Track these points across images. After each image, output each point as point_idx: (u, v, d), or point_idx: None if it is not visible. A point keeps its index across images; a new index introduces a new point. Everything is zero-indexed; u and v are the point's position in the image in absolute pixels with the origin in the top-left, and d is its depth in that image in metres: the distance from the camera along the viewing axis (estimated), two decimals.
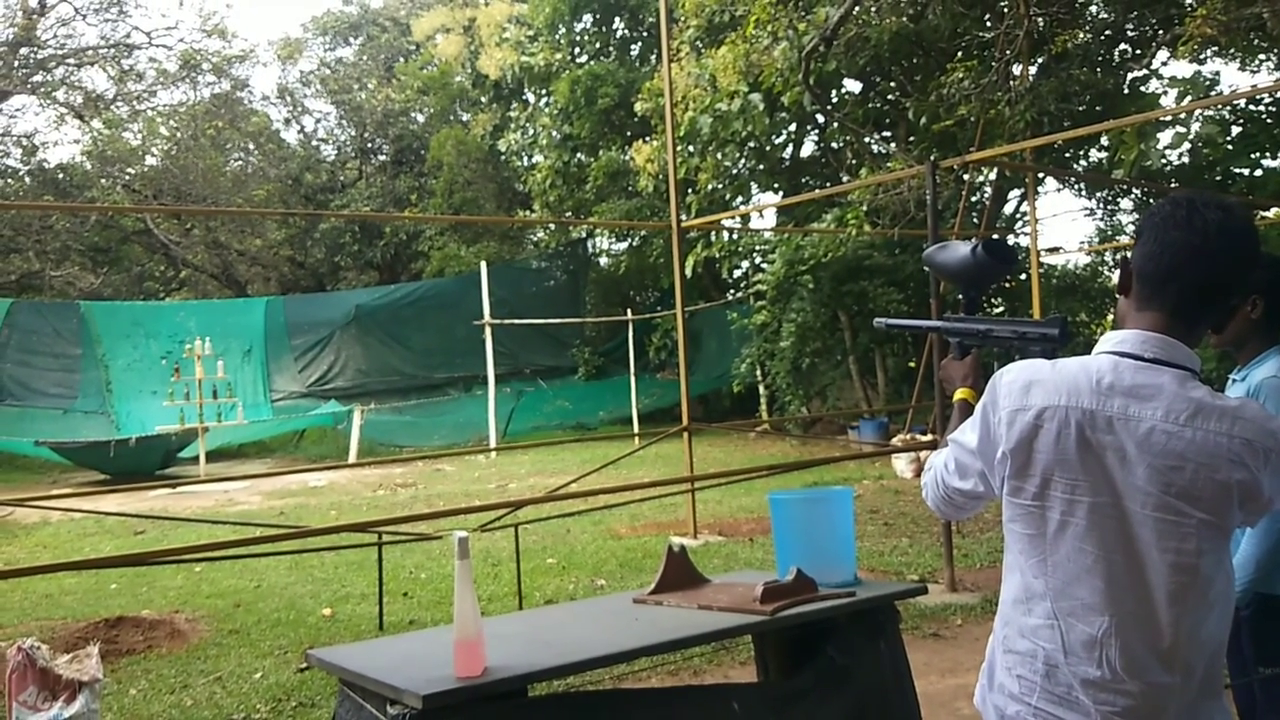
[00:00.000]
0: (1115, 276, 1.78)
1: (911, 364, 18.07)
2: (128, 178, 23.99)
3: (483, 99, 24.07)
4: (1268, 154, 15.24)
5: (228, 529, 8.37)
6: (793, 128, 18.15)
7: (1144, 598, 1.62)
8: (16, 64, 22.25)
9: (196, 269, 26.41)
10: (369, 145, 28.35)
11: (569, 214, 20.35)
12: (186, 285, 27.40)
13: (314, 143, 29.06)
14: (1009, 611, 1.77)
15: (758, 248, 18.79)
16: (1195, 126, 12.04)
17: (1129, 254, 1.75)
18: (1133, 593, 1.63)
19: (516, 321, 19.32)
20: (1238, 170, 15.30)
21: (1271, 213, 12.45)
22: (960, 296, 2.20)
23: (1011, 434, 1.68)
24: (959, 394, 2.06)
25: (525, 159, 22.80)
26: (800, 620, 2.85)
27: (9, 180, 23.47)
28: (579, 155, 20.59)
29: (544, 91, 21.62)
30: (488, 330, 17.55)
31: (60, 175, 23.35)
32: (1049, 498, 1.67)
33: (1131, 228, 18.75)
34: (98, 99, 23.81)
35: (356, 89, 27.83)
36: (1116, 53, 14.24)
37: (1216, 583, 1.65)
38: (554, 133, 20.57)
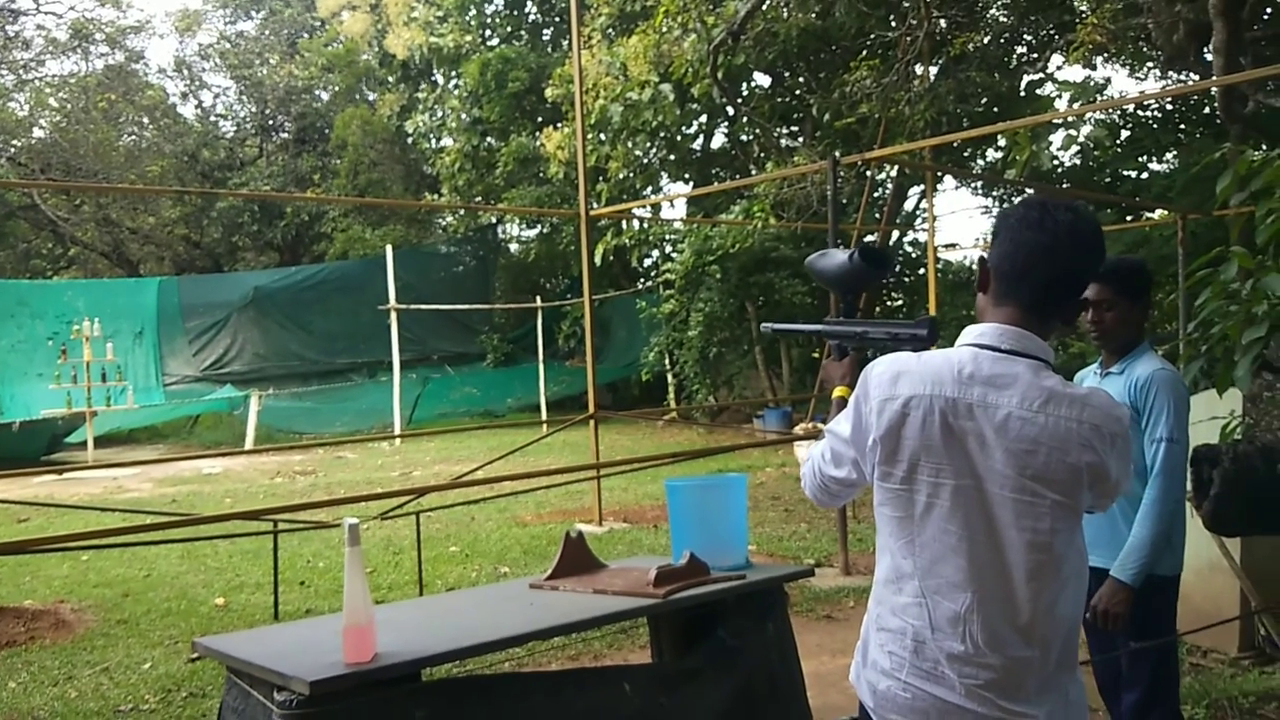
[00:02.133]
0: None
1: (815, 354, 18.43)
2: (13, 150, 22.86)
3: (390, 79, 23.63)
4: (1154, 158, 15.96)
5: (116, 516, 8.09)
6: (703, 119, 18.28)
7: (1003, 575, 1.73)
8: None
9: (86, 247, 25.36)
10: (270, 123, 27.57)
11: (478, 199, 20.16)
12: (75, 264, 26.30)
13: (212, 119, 28.14)
14: (881, 591, 1.86)
15: (667, 237, 18.91)
16: (1086, 130, 12.52)
17: (985, 254, 1.87)
18: (993, 570, 1.73)
19: (423, 307, 19.07)
20: (1125, 172, 15.99)
21: (1157, 214, 13.05)
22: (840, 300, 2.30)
23: (881, 422, 1.78)
24: (837, 391, 2.17)
25: (433, 141, 22.49)
26: (692, 603, 2.91)
27: None
28: (489, 139, 20.39)
29: (453, 74, 21.34)
30: (393, 315, 17.29)
31: None
32: (916, 481, 1.77)
33: None
34: None
35: (258, 64, 27.02)
36: (1014, 56, 14.72)
37: (1069, 560, 1.76)
38: (463, 115, 20.34)
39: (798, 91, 16.02)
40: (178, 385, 20.00)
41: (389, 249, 17.92)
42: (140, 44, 26.15)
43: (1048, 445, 1.70)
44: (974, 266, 18.08)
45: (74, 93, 23.44)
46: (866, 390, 1.82)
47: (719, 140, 19.96)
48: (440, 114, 21.39)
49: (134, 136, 25.70)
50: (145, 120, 25.62)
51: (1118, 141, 15.43)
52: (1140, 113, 15.63)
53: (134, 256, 26.30)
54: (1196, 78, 10.14)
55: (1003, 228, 1.82)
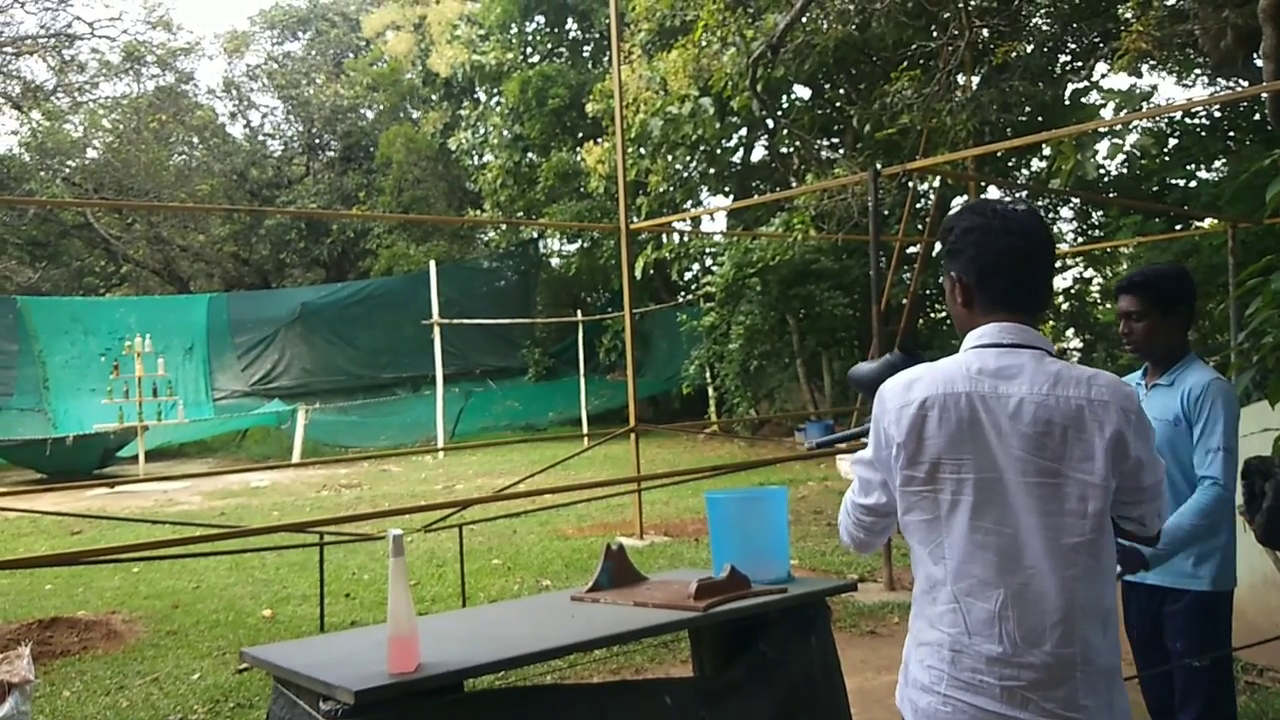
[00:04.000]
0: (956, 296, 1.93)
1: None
2: (68, 171, 23.47)
3: (433, 97, 23.93)
4: (1202, 166, 15.68)
5: (167, 529, 8.24)
6: (743, 132, 18.29)
7: (1034, 566, 1.73)
8: None
9: (138, 265, 25.91)
10: (316, 141, 28.02)
11: (520, 214, 20.31)
12: (127, 281, 26.86)
13: (260, 138, 28.66)
14: (917, 605, 1.87)
15: (707, 250, 18.91)
16: (1132, 138, 12.35)
17: (954, 272, 1.90)
18: (1023, 562, 1.74)
19: (466, 321, 19.23)
20: (1173, 181, 15.71)
21: (1206, 223, 12.82)
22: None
23: (901, 427, 1.82)
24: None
25: (476, 158, 22.71)
26: (733, 616, 2.91)
27: None
28: (530, 155, 20.56)
29: (495, 91, 21.56)
30: (436, 330, 17.45)
31: None
32: (939, 480, 1.79)
33: (1071, 236, 19.18)
34: (37, 89, 23.24)
35: (304, 84, 27.50)
36: (1057, 65, 14.56)
37: (1101, 547, 1.76)
38: (505, 132, 20.53)
39: (838, 103, 15.98)
40: (227, 400, 20.35)
41: (432, 265, 18.11)
42: (190, 65, 26.69)
43: (1061, 425, 1.73)
44: None
45: (126, 114, 24.00)
46: (883, 406, 1.87)
47: (759, 153, 19.97)
48: (482, 131, 21.60)
49: (184, 156, 26.25)
50: (195, 140, 26.16)
51: (1165, 150, 15.17)
52: (1188, 120, 15.35)
53: (184, 274, 26.82)
54: (1245, 84, 9.97)
55: (968, 243, 1.87)
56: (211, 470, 15.06)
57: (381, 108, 26.51)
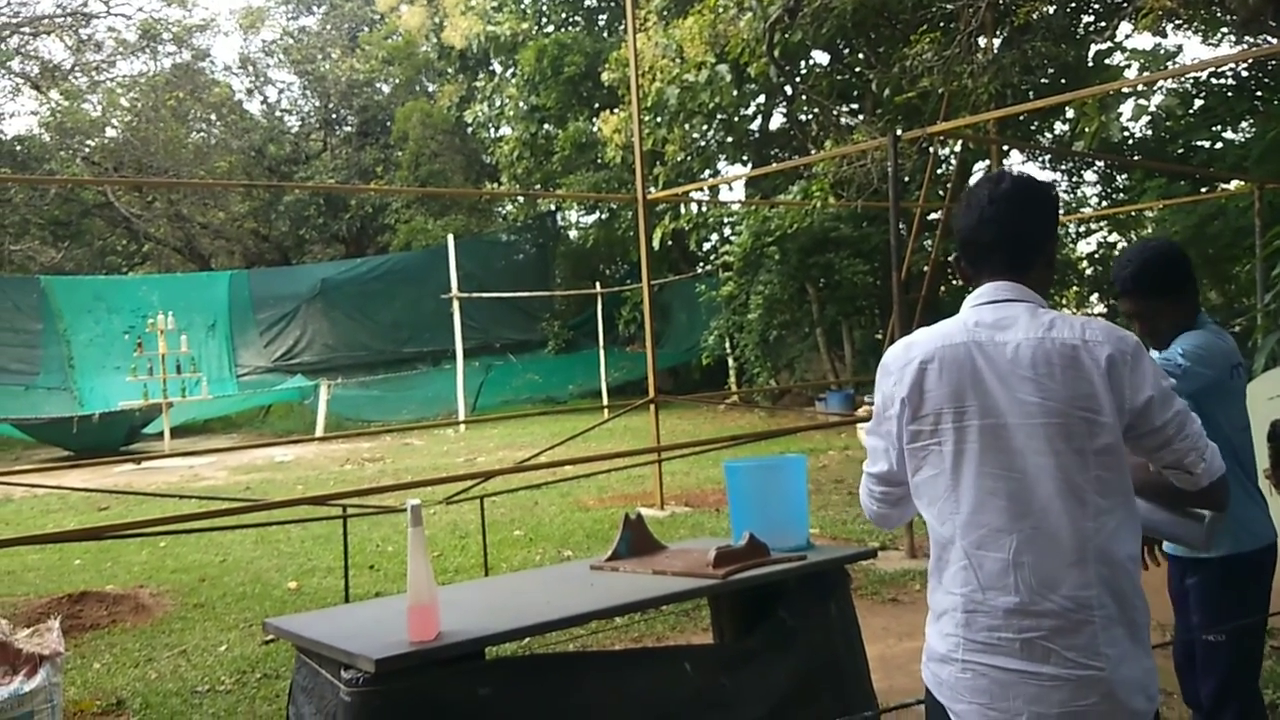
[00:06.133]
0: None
1: (879, 336, 18.22)
2: (87, 150, 23.56)
3: (448, 70, 23.83)
4: (1228, 127, 15.42)
5: (193, 504, 8.31)
6: (760, 99, 18.12)
7: (1045, 507, 1.73)
8: None
9: (159, 242, 26.05)
10: (333, 116, 28.00)
11: (537, 186, 20.25)
12: (149, 259, 27.02)
13: (277, 114, 28.66)
14: (932, 577, 1.87)
15: (725, 220, 18.80)
16: (1157, 99, 12.16)
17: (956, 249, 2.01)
18: (1034, 505, 1.74)
19: (485, 295, 19.25)
20: (1199, 142, 15.47)
21: (1232, 185, 12.62)
22: None
23: (904, 385, 1.85)
24: None
25: (492, 130, 22.63)
26: (752, 583, 2.91)
27: None
28: (546, 126, 20.45)
29: (510, 61, 21.44)
30: (456, 304, 17.48)
31: (18, 147, 22.89)
32: (943, 431, 1.80)
33: (1095, 199, 18.95)
34: (55, 69, 23.31)
35: (320, 59, 27.44)
36: (1080, 25, 14.31)
37: (1112, 486, 1.75)
38: (521, 104, 20.42)
39: (856, 68, 15.78)
40: (250, 376, 20.50)
41: (451, 239, 18.11)
42: (206, 42, 26.78)
43: (1060, 365, 1.75)
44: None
45: (144, 92, 24.04)
46: (885, 371, 1.91)
47: (777, 120, 19.79)
48: (498, 103, 21.50)
49: (202, 133, 26.30)
50: (213, 117, 26.20)
51: (1190, 110, 14.93)
52: (1214, 80, 15.09)
53: (205, 251, 26.95)
54: (1273, 41, 9.76)
55: (959, 213, 1.98)
56: (236, 445, 15.18)
57: (397, 81, 26.43)
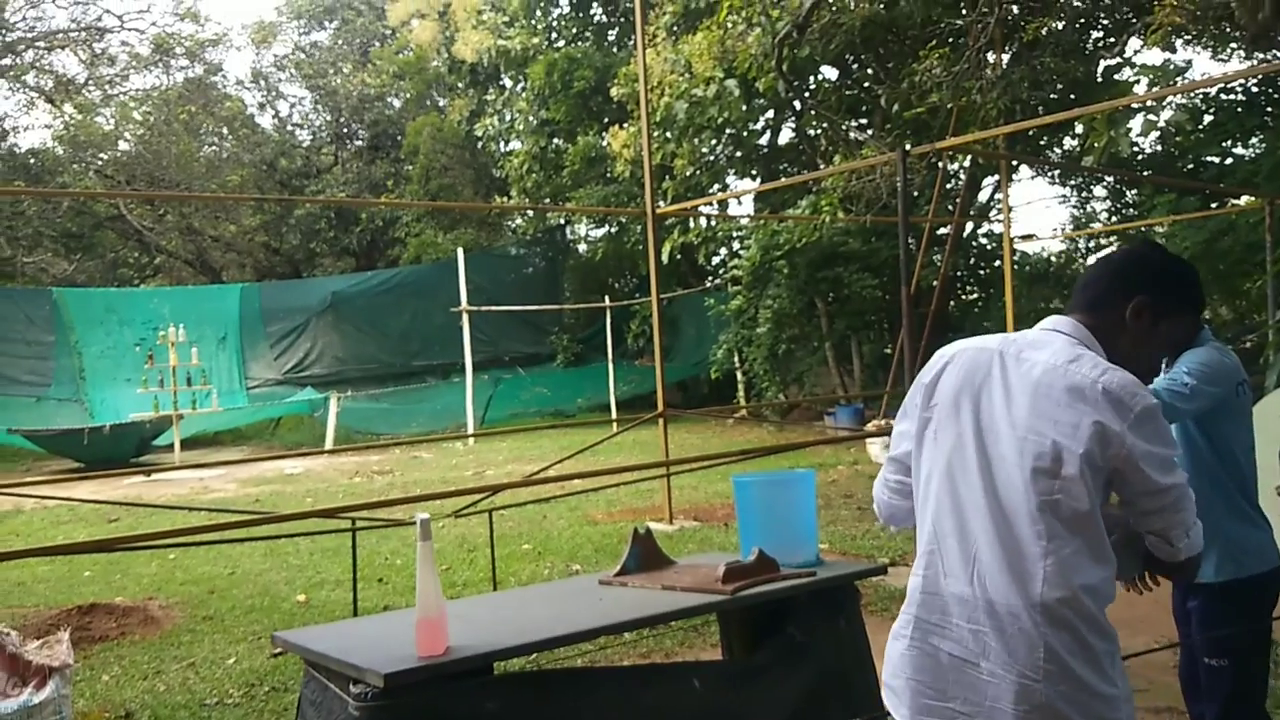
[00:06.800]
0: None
1: (888, 350, 18.19)
2: (100, 163, 23.75)
3: (459, 84, 23.94)
4: (1238, 142, 15.41)
5: (202, 516, 8.34)
6: (769, 114, 18.17)
7: (1010, 517, 1.77)
8: None
9: (170, 255, 26.19)
10: (344, 130, 28.15)
11: (546, 200, 20.31)
12: (160, 272, 27.16)
13: (289, 128, 28.84)
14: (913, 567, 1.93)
15: (734, 234, 18.83)
16: (1166, 114, 12.12)
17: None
18: (1001, 511, 1.78)
19: (494, 309, 19.29)
20: (1208, 158, 15.45)
21: (1242, 200, 12.59)
22: None
23: (928, 373, 1.98)
24: None
25: (502, 145, 22.72)
26: (761, 599, 2.90)
27: None
28: (556, 140, 20.53)
29: (520, 76, 21.54)
30: (465, 317, 17.52)
31: (31, 160, 23.09)
32: (940, 422, 1.88)
33: (1105, 215, 18.92)
34: (69, 83, 23.52)
35: (331, 74, 27.62)
36: (1089, 40, 14.33)
37: (1084, 525, 1.75)
38: (530, 118, 20.51)
39: (865, 83, 15.82)
40: (260, 388, 20.57)
41: (460, 252, 18.16)
42: (218, 57, 26.95)
43: (1061, 389, 1.79)
44: (1051, 258, 17.80)
45: (156, 106, 24.23)
46: (929, 364, 2.00)
47: (785, 135, 19.83)
48: (508, 117, 21.60)
49: (214, 147, 26.49)
50: (225, 131, 26.39)
51: (1200, 126, 14.91)
52: (1223, 96, 15.08)
53: (216, 264, 27.08)
54: None
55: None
56: (246, 458, 15.22)
57: (408, 96, 26.57)
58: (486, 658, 2.45)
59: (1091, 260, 1.97)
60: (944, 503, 1.84)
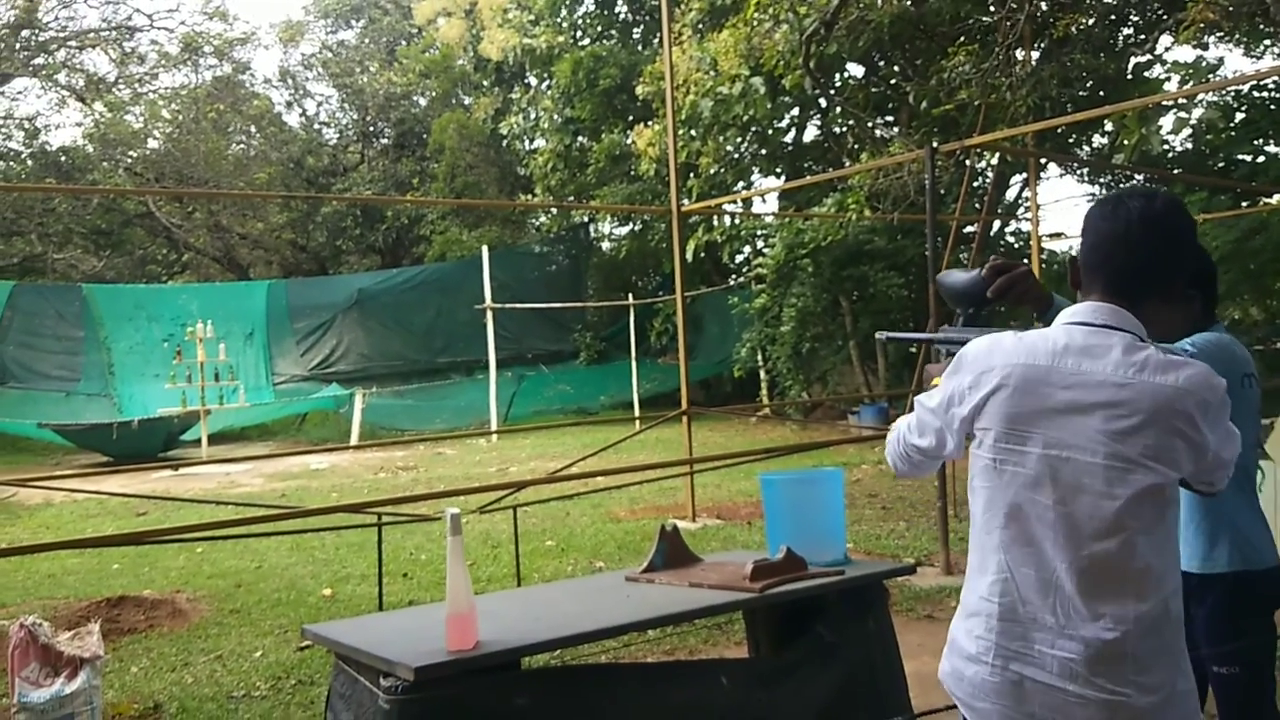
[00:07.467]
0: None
1: (912, 349, 18.09)
2: (129, 160, 23.98)
3: (484, 82, 24.02)
4: (1271, 140, 15.22)
5: (229, 510, 8.41)
6: (795, 112, 18.10)
7: (1092, 542, 1.71)
8: (18, 46, 22.21)
9: (199, 252, 26.42)
10: (371, 129, 28.30)
11: (570, 198, 20.33)
12: (189, 268, 27.41)
13: (316, 126, 29.02)
14: (969, 579, 1.87)
15: (759, 232, 18.77)
16: (1198, 112, 11.98)
17: (1074, 254, 1.94)
18: (1081, 537, 1.72)
19: (518, 306, 19.33)
20: (1240, 156, 15.27)
21: (1276, 199, 12.44)
22: (959, 312, 2.24)
23: (975, 394, 1.82)
24: (933, 382, 2.17)
25: (527, 143, 22.78)
26: (789, 598, 2.89)
27: (11, 163, 23.48)
28: (580, 138, 20.55)
29: (546, 74, 21.58)
30: (489, 314, 17.57)
31: (62, 158, 23.33)
32: (1002, 450, 1.78)
33: None
34: (99, 81, 23.77)
35: (358, 72, 27.76)
36: (1120, 37, 14.19)
37: (1164, 536, 1.73)
38: (555, 116, 20.54)
39: (893, 80, 15.73)
40: (286, 384, 20.71)
41: (485, 250, 18.21)
42: (246, 55, 27.17)
43: (1143, 411, 1.69)
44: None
45: (185, 104, 24.44)
46: (961, 366, 1.87)
47: (811, 133, 19.76)
48: (533, 115, 21.64)
49: (242, 145, 26.69)
50: (252, 129, 26.58)
51: (1232, 124, 14.74)
52: (1256, 93, 14.90)
53: (244, 261, 27.29)
54: None
55: (1086, 224, 1.89)
56: (272, 453, 15.34)
57: (434, 94, 26.67)
58: (516, 652, 2.45)
59: (1106, 218, 1.83)
60: (1013, 533, 1.77)
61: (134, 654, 5.45)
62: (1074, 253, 1.93)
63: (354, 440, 16.56)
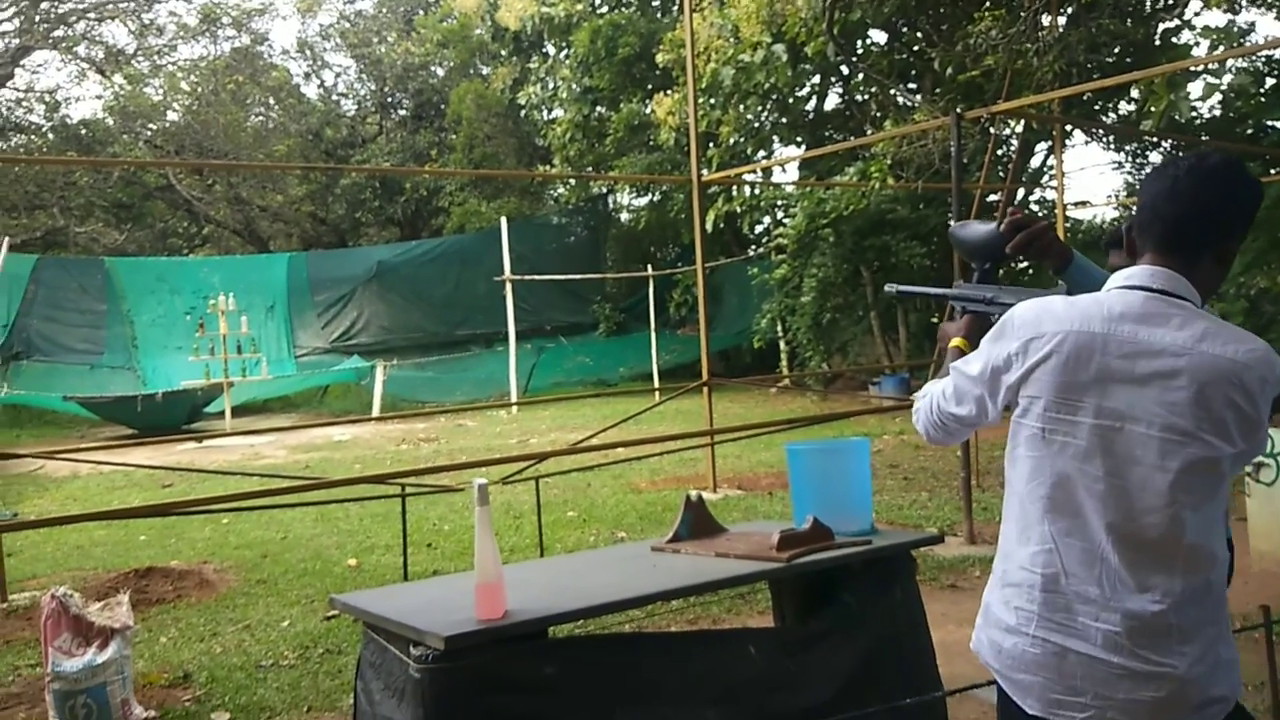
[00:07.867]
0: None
1: (934, 319, 17.97)
2: (149, 133, 24.05)
3: (502, 52, 23.88)
4: None
5: (254, 481, 8.48)
6: (816, 79, 17.91)
7: (1142, 516, 1.68)
8: (38, 19, 22.24)
9: (219, 225, 26.52)
10: (389, 100, 28.22)
11: (589, 169, 20.24)
12: (210, 241, 27.53)
13: (334, 97, 28.98)
14: (1007, 546, 1.82)
15: (779, 202, 18.64)
16: (1227, 78, 11.78)
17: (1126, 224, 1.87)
18: (1132, 511, 1.68)
19: (537, 278, 19.32)
20: (1271, 123, 14.99)
21: None
22: (975, 268, 2.19)
23: (1025, 360, 1.75)
24: (952, 343, 2.13)
25: (545, 113, 22.65)
26: (816, 567, 2.88)
27: (32, 136, 23.59)
28: (599, 108, 20.41)
29: (564, 43, 21.42)
30: (508, 286, 17.57)
31: (83, 131, 23.42)
32: (1051, 419, 1.73)
33: None
34: (119, 54, 23.79)
35: (376, 42, 27.66)
36: (1148, 2, 13.94)
37: (1213, 512, 1.70)
38: (574, 85, 20.40)
39: (916, 46, 15.52)
40: (308, 357, 20.83)
41: (503, 221, 18.18)
42: (264, 26, 27.22)
43: (1200, 382, 1.65)
44: (1105, 225, 17.32)
45: (204, 76, 24.45)
46: (1006, 330, 1.80)
47: (833, 101, 19.56)
48: (552, 85, 21.50)
49: (261, 117, 26.68)
50: (271, 101, 26.56)
51: (1262, 90, 14.47)
52: None
53: (264, 233, 27.38)
54: None
55: (1152, 175, 1.82)
56: (295, 425, 15.44)
57: (452, 64, 26.55)
58: (544, 621, 2.46)
59: (1155, 178, 1.76)
60: (1059, 504, 1.72)
61: (163, 624, 5.51)
62: (1100, 221, 1.90)
63: (375, 412, 16.65)
